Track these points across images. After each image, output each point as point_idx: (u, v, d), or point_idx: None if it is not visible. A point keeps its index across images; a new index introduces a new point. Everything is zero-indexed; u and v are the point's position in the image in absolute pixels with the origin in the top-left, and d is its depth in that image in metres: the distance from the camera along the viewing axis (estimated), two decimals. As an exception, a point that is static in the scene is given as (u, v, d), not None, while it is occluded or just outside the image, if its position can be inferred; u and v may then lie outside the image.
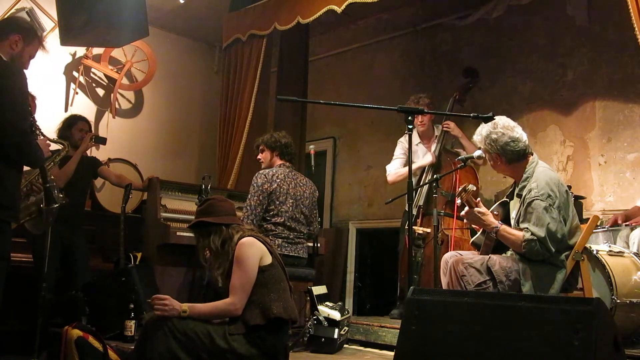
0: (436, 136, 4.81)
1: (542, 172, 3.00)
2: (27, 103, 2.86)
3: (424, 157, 4.77)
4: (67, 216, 4.24)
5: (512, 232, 2.97)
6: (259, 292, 2.75)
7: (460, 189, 3.02)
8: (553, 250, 2.88)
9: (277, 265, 2.86)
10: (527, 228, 2.89)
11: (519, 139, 3.03)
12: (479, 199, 3.08)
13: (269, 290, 2.76)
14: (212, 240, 2.83)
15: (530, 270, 2.89)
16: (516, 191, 3.10)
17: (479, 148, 3.19)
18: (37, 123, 3.18)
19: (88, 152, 4.86)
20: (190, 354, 2.61)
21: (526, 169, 3.05)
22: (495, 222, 3.01)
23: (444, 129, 4.74)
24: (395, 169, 4.85)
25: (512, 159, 3.06)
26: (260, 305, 2.73)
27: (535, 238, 2.85)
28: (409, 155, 2.95)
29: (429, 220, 4.47)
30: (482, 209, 3.04)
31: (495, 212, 3.12)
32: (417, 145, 4.88)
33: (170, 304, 2.66)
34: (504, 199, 3.23)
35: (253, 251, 2.78)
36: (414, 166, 4.71)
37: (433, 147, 4.75)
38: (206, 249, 2.88)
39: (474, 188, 3.00)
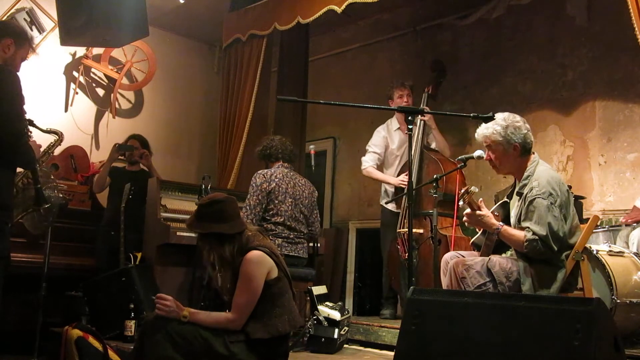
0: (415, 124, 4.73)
1: (543, 171, 3.01)
2: (21, 105, 2.90)
3: (399, 146, 4.88)
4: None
5: (514, 233, 2.97)
6: (264, 307, 2.67)
7: (462, 191, 3.01)
8: (555, 248, 2.88)
9: (283, 277, 2.76)
10: (528, 227, 2.88)
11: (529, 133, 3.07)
12: (481, 199, 3.07)
13: (274, 304, 2.69)
14: (225, 250, 2.70)
15: (530, 269, 2.89)
16: (516, 189, 3.09)
17: (486, 143, 3.13)
18: (32, 121, 3.24)
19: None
20: (188, 359, 2.54)
21: (527, 168, 3.05)
22: (496, 223, 3.00)
23: (422, 119, 4.68)
24: (370, 168, 4.92)
25: (527, 149, 3.06)
26: (264, 320, 2.66)
27: (537, 237, 2.85)
28: (409, 156, 2.94)
29: (419, 221, 4.45)
30: (484, 210, 3.04)
31: (495, 213, 3.12)
32: (395, 131, 4.95)
33: (172, 306, 2.61)
34: (504, 199, 3.23)
35: (261, 270, 2.67)
36: (381, 177, 4.90)
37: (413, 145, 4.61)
38: (212, 256, 2.74)
39: (476, 190, 2.99)
